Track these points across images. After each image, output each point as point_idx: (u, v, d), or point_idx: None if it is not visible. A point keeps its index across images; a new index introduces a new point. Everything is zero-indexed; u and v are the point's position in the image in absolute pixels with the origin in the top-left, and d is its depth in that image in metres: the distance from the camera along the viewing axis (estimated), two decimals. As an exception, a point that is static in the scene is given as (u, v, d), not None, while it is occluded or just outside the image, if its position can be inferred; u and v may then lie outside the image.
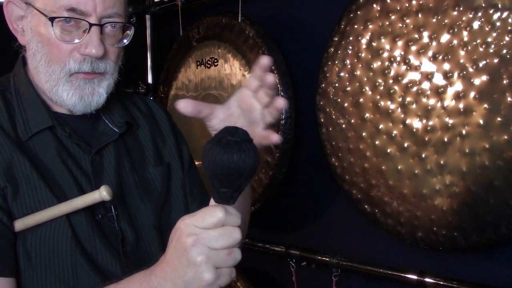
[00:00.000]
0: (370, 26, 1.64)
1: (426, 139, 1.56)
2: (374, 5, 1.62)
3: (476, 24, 1.45)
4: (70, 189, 1.07)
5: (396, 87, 1.61)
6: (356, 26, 1.67)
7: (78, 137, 1.12)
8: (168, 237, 0.86)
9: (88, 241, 1.06)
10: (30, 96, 1.11)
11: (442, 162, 1.53)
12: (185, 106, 1.05)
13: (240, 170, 0.77)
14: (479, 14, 1.43)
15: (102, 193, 1.01)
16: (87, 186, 1.09)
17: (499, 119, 1.42)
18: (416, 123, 1.57)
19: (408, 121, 1.59)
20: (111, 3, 1.05)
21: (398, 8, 1.58)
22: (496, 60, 1.42)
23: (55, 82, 1.07)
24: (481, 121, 1.45)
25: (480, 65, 1.45)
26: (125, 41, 1.12)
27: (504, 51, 1.40)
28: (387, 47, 1.61)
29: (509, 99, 1.40)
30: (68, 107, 1.09)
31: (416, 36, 1.56)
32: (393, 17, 1.60)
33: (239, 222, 0.82)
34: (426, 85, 1.55)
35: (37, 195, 1.03)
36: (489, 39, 1.42)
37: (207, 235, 0.80)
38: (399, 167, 1.61)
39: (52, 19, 1.02)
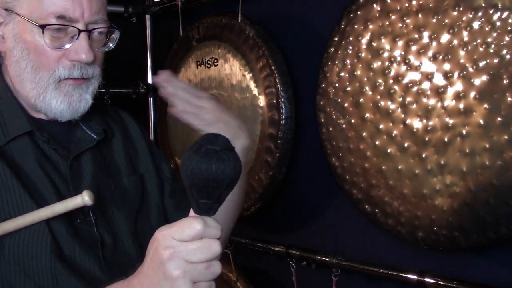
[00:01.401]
0: (370, 26, 1.64)
1: (426, 139, 1.56)
2: (374, 5, 1.62)
3: (476, 24, 1.44)
4: (49, 194, 1.06)
5: (396, 87, 1.61)
6: (356, 26, 1.67)
7: (56, 142, 1.11)
8: (145, 244, 0.85)
9: (67, 246, 1.05)
10: (8, 100, 1.10)
11: (442, 162, 1.53)
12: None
13: (219, 181, 0.73)
14: (479, 14, 1.43)
15: (85, 198, 1.00)
16: (65, 191, 1.08)
17: (499, 119, 1.42)
18: (416, 123, 1.57)
19: (408, 121, 1.59)
20: (97, 9, 1.06)
21: (398, 8, 1.58)
22: (496, 60, 1.42)
23: (42, 89, 1.06)
24: (481, 121, 1.45)
25: (480, 65, 1.45)
26: (111, 45, 1.13)
27: (504, 51, 1.40)
28: (387, 47, 1.61)
29: (509, 99, 1.40)
30: (55, 115, 1.09)
31: (416, 36, 1.56)
32: (393, 17, 1.60)
33: (219, 235, 0.79)
34: (426, 85, 1.55)
35: (16, 200, 1.02)
36: (489, 39, 1.42)
37: (185, 248, 0.77)
38: (400, 167, 1.61)
39: (43, 27, 1.01)
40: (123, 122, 1.31)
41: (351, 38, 1.69)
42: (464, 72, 1.48)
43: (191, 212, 0.80)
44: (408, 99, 1.58)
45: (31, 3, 1.02)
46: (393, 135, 1.62)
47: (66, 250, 1.04)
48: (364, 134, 1.68)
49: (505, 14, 1.39)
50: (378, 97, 1.64)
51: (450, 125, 1.51)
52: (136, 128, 1.33)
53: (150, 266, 0.81)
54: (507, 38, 1.39)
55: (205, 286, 0.79)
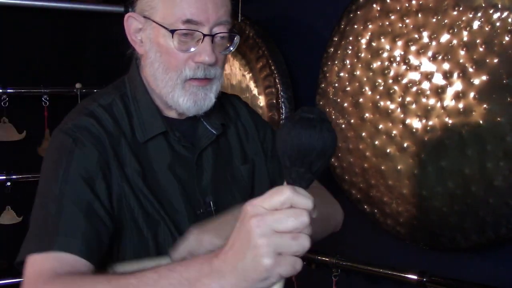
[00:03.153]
0: (370, 26, 1.64)
1: (426, 139, 1.55)
2: (374, 5, 1.63)
3: (476, 24, 1.44)
4: (174, 190, 1.17)
5: (396, 87, 1.61)
6: (356, 26, 1.67)
7: (185, 139, 1.22)
8: None
9: None
10: (146, 101, 1.22)
11: (441, 162, 1.53)
12: None
13: (310, 148, 0.74)
14: (479, 14, 1.43)
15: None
16: (189, 186, 1.19)
17: (498, 119, 1.42)
18: (416, 123, 1.57)
19: (407, 121, 1.59)
20: (222, 12, 1.16)
21: (398, 8, 1.58)
22: (496, 60, 1.42)
23: (171, 88, 1.17)
24: (480, 121, 1.45)
25: (480, 65, 1.44)
26: (231, 48, 1.23)
27: (504, 51, 1.40)
28: (387, 47, 1.61)
29: (508, 99, 1.40)
30: (182, 110, 1.20)
31: (416, 36, 1.56)
32: (393, 17, 1.60)
33: (309, 205, 0.77)
34: (425, 85, 1.55)
35: (140, 202, 1.13)
36: (489, 39, 1.42)
37: (272, 216, 0.77)
38: (399, 167, 1.61)
39: (172, 32, 1.13)
40: (235, 110, 1.39)
41: (351, 38, 1.69)
42: (464, 72, 1.48)
43: (284, 184, 0.80)
44: (408, 99, 1.58)
45: (164, 11, 1.14)
46: (393, 135, 1.62)
47: None
48: (363, 134, 1.68)
49: (505, 14, 1.39)
50: (378, 97, 1.64)
51: (449, 125, 1.51)
52: (244, 110, 1.40)
53: (236, 237, 0.82)
54: (507, 38, 1.39)
55: (290, 261, 0.78)
